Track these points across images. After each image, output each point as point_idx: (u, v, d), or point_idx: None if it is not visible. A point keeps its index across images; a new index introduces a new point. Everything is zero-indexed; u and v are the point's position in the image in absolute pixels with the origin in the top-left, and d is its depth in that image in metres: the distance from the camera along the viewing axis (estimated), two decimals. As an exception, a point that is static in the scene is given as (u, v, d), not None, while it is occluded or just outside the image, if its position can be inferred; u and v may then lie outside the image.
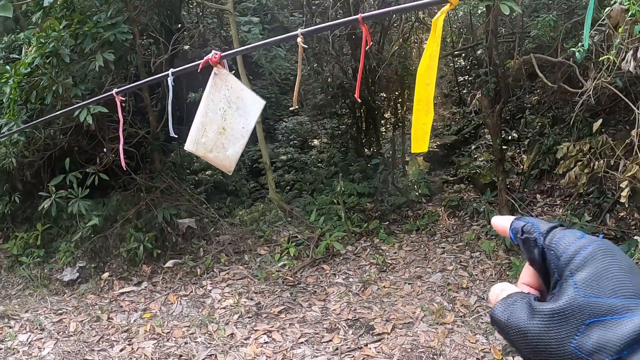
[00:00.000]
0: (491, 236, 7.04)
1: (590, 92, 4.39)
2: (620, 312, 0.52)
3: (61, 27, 6.49)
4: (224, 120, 1.73)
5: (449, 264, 6.53)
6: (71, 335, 5.54)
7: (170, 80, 1.84)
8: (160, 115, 8.05)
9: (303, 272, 6.50)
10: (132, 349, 5.14)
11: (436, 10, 1.59)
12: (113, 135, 7.34)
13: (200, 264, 6.83)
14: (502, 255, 6.50)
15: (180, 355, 4.94)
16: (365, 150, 10.66)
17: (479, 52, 10.49)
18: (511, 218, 0.67)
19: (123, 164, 2.21)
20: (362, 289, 6.01)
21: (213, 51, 1.72)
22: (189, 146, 1.75)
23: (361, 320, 5.30)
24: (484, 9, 9.37)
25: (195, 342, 5.15)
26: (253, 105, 1.81)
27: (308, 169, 10.61)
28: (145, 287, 6.56)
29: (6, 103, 6.46)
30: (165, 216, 7.15)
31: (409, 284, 6.09)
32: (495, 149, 7.37)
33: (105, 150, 7.12)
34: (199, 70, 1.74)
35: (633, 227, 6.98)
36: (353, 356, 4.74)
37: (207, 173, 10.14)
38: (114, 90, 2.07)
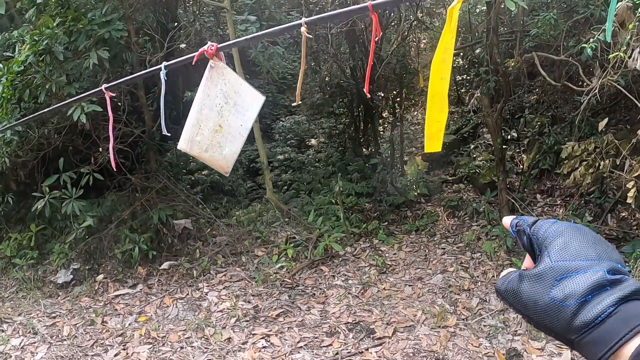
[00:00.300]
0: (492, 237, 6.94)
1: (597, 91, 4.28)
2: (584, 269, 0.71)
3: (55, 24, 6.38)
4: (221, 117, 1.61)
5: (449, 265, 6.42)
6: (64, 340, 5.42)
7: (163, 74, 1.72)
8: (156, 115, 7.94)
9: (301, 274, 6.38)
10: (127, 353, 5.02)
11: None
12: (108, 135, 7.18)
13: (197, 265, 6.71)
14: (503, 256, 6.39)
15: (176, 360, 4.83)
16: (364, 149, 10.56)
17: (477, 50, 10.39)
18: (511, 217, 0.87)
19: (113, 164, 2.10)
20: (361, 291, 5.90)
21: (209, 42, 1.60)
22: (182, 145, 1.63)
23: (361, 323, 5.18)
24: (483, 8, 9.30)
25: (192, 346, 5.02)
26: (252, 101, 1.68)
27: (305, 168, 10.52)
28: (141, 289, 6.44)
29: (-1, 102, 6.35)
30: (161, 217, 7.03)
31: (409, 285, 5.97)
32: (495, 149, 7.27)
33: (100, 149, 7.03)
34: (193, 63, 1.62)
35: (635, 227, 6.89)
36: (353, 361, 4.63)
37: (203, 173, 10.02)
38: (103, 86, 1.95)
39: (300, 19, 1.52)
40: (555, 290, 0.72)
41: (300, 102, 1.50)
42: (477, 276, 6.07)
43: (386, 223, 7.97)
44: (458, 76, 12.96)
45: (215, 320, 5.47)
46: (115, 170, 4.62)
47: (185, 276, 6.54)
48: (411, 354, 4.64)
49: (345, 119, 11.11)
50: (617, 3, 3.53)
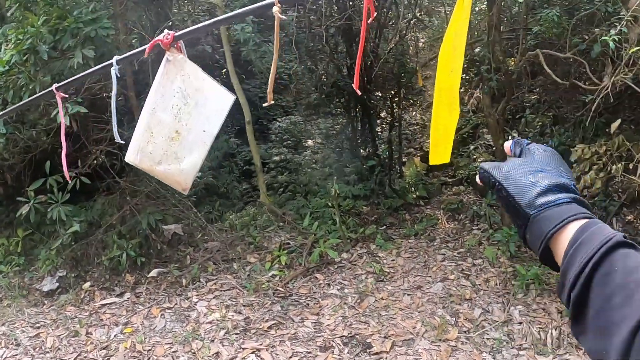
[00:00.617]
0: (493, 242, 6.68)
1: (609, 89, 4.02)
2: (557, 173, 0.92)
3: (40, 22, 6.16)
4: (178, 121, 1.31)
5: (450, 272, 6.14)
6: (47, 352, 5.18)
7: (114, 70, 1.45)
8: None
9: (295, 283, 6.09)
10: (110, 368, 4.76)
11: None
12: (97, 137, 7.00)
13: (187, 273, 6.43)
14: (506, 263, 6.12)
15: (161, 377, 4.57)
16: (361, 150, 10.29)
17: (477, 49, 10.15)
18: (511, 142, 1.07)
19: (67, 176, 1.84)
20: (358, 301, 5.61)
21: (166, 30, 1.33)
22: (130, 157, 1.33)
23: (357, 337, 4.90)
24: (482, 7, 9.06)
25: (178, 361, 4.76)
26: (218, 101, 1.38)
27: (302, 170, 10.27)
28: (128, 298, 6.17)
29: (-18, 103, 6.12)
30: (150, 222, 6.77)
31: (408, 295, 5.69)
32: (497, 150, 7.01)
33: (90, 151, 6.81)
34: (146, 55, 1.35)
35: (642, 232, 6.66)
36: (349, 377, 4.36)
37: (197, 175, 9.76)
38: (54, 86, 1.68)
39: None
40: (532, 176, 0.91)
41: (273, 102, 1.22)
42: (479, 284, 5.80)
43: (384, 227, 7.71)
44: (457, 75, 12.67)
45: (203, 333, 5.19)
46: (107, 172, 4.37)
47: (174, 284, 6.27)
48: (410, 371, 4.38)
49: (343, 119, 10.86)
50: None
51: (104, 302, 6.13)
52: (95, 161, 7.26)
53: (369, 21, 1.21)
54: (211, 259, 6.75)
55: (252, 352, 4.75)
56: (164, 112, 1.31)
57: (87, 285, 6.44)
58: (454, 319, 5.13)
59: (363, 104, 9.76)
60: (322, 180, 9.27)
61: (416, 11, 9.15)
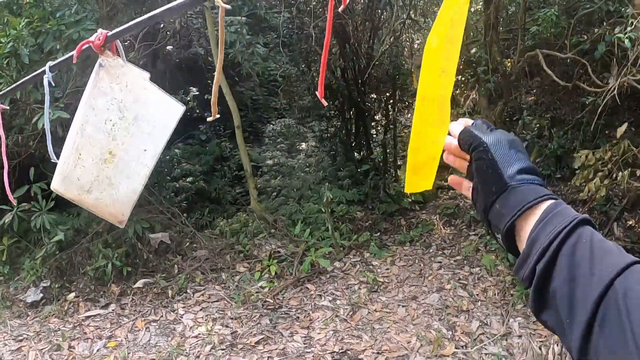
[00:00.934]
0: (491, 249, 6.47)
1: (616, 91, 3.81)
2: (526, 155, 0.92)
3: (22, 25, 5.97)
4: (112, 140, 1.07)
5: (446, 281, 5.92)
6: (28, 368, 4.96)
7: (47, 78, 1.23)
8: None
9: (285, 294, 5.85)
10: (89, 387, 4.54)
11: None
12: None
13: (173, 283, 6.20)
14: (504, 271, 5.90)
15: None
16: (355, 154, 10.09)
17: (473, 50, 9.97)
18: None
19: (10, 197, 1.62)
20: (350, 313, 5.38)
21: (99, 30, 1.10)
22: (55, 185, 1.09)
23: (349, 352, 4.66)
24: (478, 7, 8.88)
25: (160, 379, 4.53)
26: (164, 113, 1.14)
27: (295, 174, 10.06)
28: (113, 310, 5.94)
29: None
30: (137, 230, 6.54)
31: (403, 306, 5.46)
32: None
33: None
34: (74, 61, 1.12)
35: (644, 238, 6.45)
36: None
37: (188, 180, 9.52)
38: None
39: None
40: (514, 151, 0.91)
41: (218, 116, 0.98)
42: (477, 294, 5.57)
43: (378, 233, 7.48)
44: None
45: (188, 348, 4.96)
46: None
47: (160, 295, 6.04)
48: (404, 390, 4.15)
49: (337, 122, 10.66)
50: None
51: (88, 313, 5.91)
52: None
53: (339, 9, 0.98)
54: (199, 268, 6.52)
55: (239, 370, 4.53)
56: (95, 129, 1.07)
57: (71, 296, 6.23)
58: (451, 333, 4.90)
59: (357, 107, 9.58)
60: (315, 184, 9.07)
61: (411, 12, 8.95)
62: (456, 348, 4.62)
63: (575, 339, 0.70)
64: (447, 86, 0.99)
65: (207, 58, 9.92)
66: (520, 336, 4.77)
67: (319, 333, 5.02)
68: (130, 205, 1.15)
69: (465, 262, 6.35)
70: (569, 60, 6.56)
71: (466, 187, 1.07)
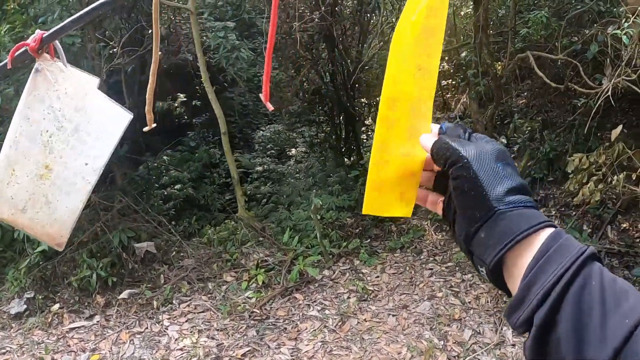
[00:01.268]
0: (483, 254, 6.35)
1: (610, 92, 3.71)
2: (515, 169, 0.77)
3: (2, 31, 5.86)
4: (49, 153, 0.94)
5: (437, 289, 5.79)
6: (8, 383, 4.82)
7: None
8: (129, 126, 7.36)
9: (272, 304, 5.71)
10: (69, 404, 4.40)
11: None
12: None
13: (159, 294, 6.05)
14: (496, 278, 5.79)
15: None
16: (345, 159, 9.98)
17: (463, 54, 9.90)
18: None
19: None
20: (339, 323, 5.24)
21: (37, 31, 0.98)
22: None
23: (338, 365, 4.55)
24: (468, 10, 8.82)
25: (143, 395, 4.39)
26: (108, 122, 1.01)
27: (285, 180, 9.95)
28: (98, 321, 5.79)
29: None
30: (122, 239, 6.41)
31: (393, 315, 5.33)
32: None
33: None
34: (9, 66, 1.00)
35: (638, 241, 6.36)
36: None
37: (176, 187, 9.38)
38: None
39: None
40: (501, 166, 0.75)
41: (154, 125, 0.85)
42: (469, 302, 5.45)
43: (369, 240, 7.35)
44: (443, 81, 12.47)
45: (173, 361, 4.83)
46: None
47: (145, 306, 5.89)
48: (394, 403, 4.02)
49: (326, 127, 10.56)
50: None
51: (72, 325, 5.77)
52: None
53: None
54: (186, 278, 6.38)
55: (224, 384, 4.39)
56: (30, 141, 0.94)
57: (56, 307, 6.08)
58: (442, 342, 4.77)
59: (347, 111, 9.47)
60: (305, 190, 8.95)
61: (399, 15, 8.87)
62: (448, 359, 4.51)
63: None
64: (426, 87, 0.86)
65: (195, 64, 9.81)
66: (514, 345, 4.65)
67: (307, 345, 4.88)
68: (70, 225, 1.03)
69: (457, 268, 6.24)
70: (560, 62, 6.50)
71: (432, 202, 0.94)
